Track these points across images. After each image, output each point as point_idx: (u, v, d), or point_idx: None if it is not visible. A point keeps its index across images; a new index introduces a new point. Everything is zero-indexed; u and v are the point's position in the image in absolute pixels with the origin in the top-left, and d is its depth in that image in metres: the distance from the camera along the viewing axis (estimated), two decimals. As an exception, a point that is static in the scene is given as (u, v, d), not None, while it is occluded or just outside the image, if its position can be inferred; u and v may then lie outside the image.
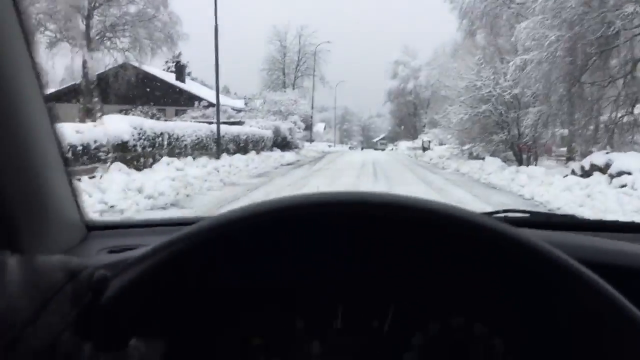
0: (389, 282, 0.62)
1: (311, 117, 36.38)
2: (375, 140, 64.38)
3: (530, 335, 0.59)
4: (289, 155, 19.77)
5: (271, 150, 20.86)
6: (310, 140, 36.19)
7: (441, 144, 29.69)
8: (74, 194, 0.79)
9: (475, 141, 16.86)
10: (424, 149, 30.76)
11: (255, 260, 0.42)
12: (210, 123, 15.40)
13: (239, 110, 29.29)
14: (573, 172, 10.08)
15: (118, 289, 0.33)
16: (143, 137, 9.51)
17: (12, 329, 0.25)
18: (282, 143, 23.07)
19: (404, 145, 43.42)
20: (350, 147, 52.93)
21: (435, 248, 0.42)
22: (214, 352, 0.59)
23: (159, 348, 0.35)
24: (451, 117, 17.46)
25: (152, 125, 10.37)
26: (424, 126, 45.76)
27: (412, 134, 49.46)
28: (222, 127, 14.97)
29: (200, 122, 17.20)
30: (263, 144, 20.08)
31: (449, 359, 0.63)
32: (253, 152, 17.17)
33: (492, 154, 15.60)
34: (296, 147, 25.36)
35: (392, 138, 57.64)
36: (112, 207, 6.20)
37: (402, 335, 0.63)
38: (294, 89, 40.28)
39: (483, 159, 15.23)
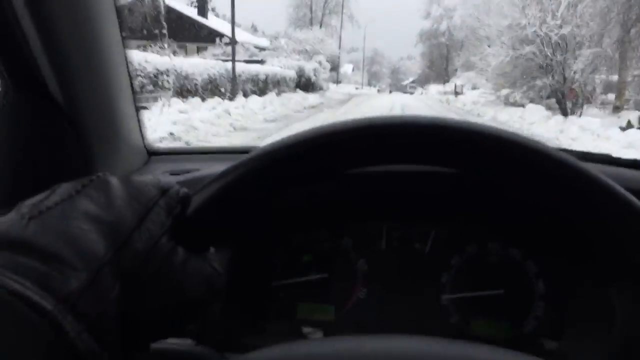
0: (431, 207, 0.71)
1: (338, 57, 34.34)
2: (404, 83, 62.42)
3: (561, 259, 0.68)
4: (313, 98, 17.88)
5: (294, 91, 19.03)
6: (337, 82, 34.26)
7: (474, 88, 27.94)
8: (139, 121, 0.85)
9: (515, 86, 14.97)
10: (456, 93, 27.92)
11: (312, 181, 0.45)
12: (225, 61, 14.03)
13: (262, 49, 26.56)
14: (629, 124, 8.78)
15: (199, 204, 0.38)
16: (142, 75, 8.29)
17: (121, 234, 0.32)
18: (306, 84, 21.12)
19: (434, 89, 40.56)
20: (378, 90, 50.89)
21: (476, 171, 0.42)
22: (270, 266, 0.73)
23: (226, 257, 0.41)
24: (489, 60, 15.94)
25: (155, 61, 9.10)
26: (456, 70, 44.04)
27: (443, 78, 47.46)
28: (240, 66, 13.71)
29: (219, 60, 15.56)
30: (285, 85, 18.42)
31: (484, 279, 0.71)
32: (273, 94, 15.34)
33: (532, 101, 13.97)
34: (320, 89, 23.02)
35: (422, 81, 55.25)
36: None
37: (441, 257, 0.72)
38: (321, 27, 38.34)
39: (522, 106, 13.74)
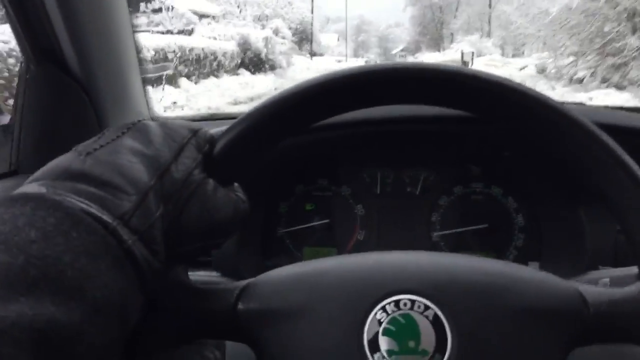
0: (421, 153, 0.93)
1: (311, 24, 31.31)
2: (393, 52, 62.53)
3: (537, 193, 0.89)
4: (261, 82, 14.65)
5: (235, 72, 15.27)
6: (311, 55, 30.70)
7: (479, 55, 24.81)
8: (145, 92, 1.03)
9: (585, 54, 10.24)
10: (464, 63, 22.01)
11: (314, 129, 0.54)
12: (155, 33, 11.75)
13: (203, 16, 20.45)
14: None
15: (223, 144, 0.48)
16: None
17: (161, 165, 0.42)
18: (255, 61, 16.87)
19: (430, 58, 35.74)
20: (366, 61, 50.72)
21: (462, 109, 0.50)
22: (277, 215, 0.94)
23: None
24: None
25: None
26: (452, 34, 44.06)
27: (438, 44, 47.50)
28: (160, 40, 10.92)
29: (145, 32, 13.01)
30: (217, 62, 14.19)
31: (470, 216, 0.91)
32: (185, 80, 11.66)
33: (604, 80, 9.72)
34: (276, 67, 18.25)
35: (413, 50, 55.26)
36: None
37: (430, 198, 0.93)
38: None
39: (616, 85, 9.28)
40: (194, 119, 1.17)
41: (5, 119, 0.90)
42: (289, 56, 20.08)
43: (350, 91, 0.48)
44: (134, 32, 0.97)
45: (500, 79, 0.47)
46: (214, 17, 19.77)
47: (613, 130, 0.48)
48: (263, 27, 20.85)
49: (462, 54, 23.47)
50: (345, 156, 0.94)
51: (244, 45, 16.32)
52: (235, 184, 0.50)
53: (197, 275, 0.81)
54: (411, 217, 0.93)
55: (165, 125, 0.47)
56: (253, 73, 16.23)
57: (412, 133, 0.88)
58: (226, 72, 14.75)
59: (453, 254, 0.49)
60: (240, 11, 23.99)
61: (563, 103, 0.49)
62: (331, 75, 0.48)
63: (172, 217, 0.42)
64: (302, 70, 20.07)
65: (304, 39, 29.81)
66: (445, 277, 0.44)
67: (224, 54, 14.80)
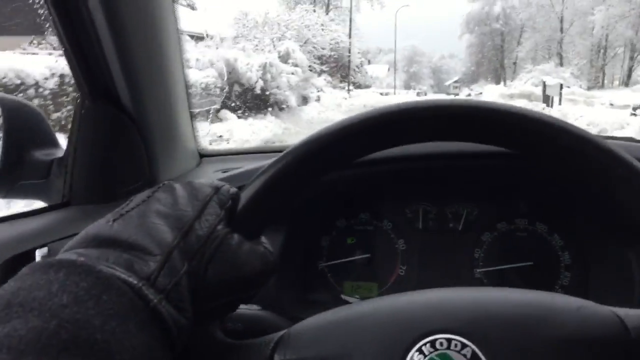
0: (463, 189, 1.04)
1: (349, 51, 28.35)
2: (447, 83, 62.75)
3: (584, 231, 0.97)
4: (256, 127, 11.57)
5: (214, 116, 11.43)
6: (349, 86, 27.55)
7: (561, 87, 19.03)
8: (193, 126, 1.18)
9: None
10: (546, 98, 18.84)
11: (353, 166, 0.62)
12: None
13: (199, 38, 15.29)
14: None
15: (247, 199, 0.53)
16: None
17: (185, 224, 0.48)
18: (255, 98, 13.51)
19: (494, 91, 30.72)
20: (418, 93, 50.89)
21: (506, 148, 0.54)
22: (317, 249, 1.06)
23: (276, 246, 0.58)
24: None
25: None
26: (514, 63, 43.65)
27: (498, 74, 47.30)
28: None
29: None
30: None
31: (513, 252, 0.99)
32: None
33: None
34: (282, 106, 14.53)
35: (467, 81, 55.23)
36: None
37: (473, 234, 1.03)
38: (328, 11, 33.17)
39: None
40: (238, 152, 1.32)
41: (60, 152, 1.04)
42: (304, 90, 17.06)
43: (374, 136, 0.54)
44: (184, 67, 1.10)
45: (544, 116, 0.52)
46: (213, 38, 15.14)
47: None
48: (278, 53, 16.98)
49: (545, 86, 20.12)
50: (387, 190, 1.05)
51: (230, 76, 12.55)
52: (262, 237, 0.56)
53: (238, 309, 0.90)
54: (453, 253, 1.03)
55: (190, 184, 0.54)
56: (244, 114, 12.79)
57: (454, 168, 0.98)
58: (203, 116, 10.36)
59: (484, 288, 0.55)
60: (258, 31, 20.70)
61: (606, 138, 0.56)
62: (363, 116, 0.54)
63: (198, 274, 0.48)
64: (326, 109, 17.27)
65: (340, 67, 27.94)
66: (480, 312, 0.47)
67: (206, 85, 11.44)
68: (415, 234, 1.05)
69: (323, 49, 24.15)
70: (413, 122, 0.54)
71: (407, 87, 59.11)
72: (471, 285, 0.99)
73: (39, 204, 1.03)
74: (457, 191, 1.04)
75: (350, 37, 29.43)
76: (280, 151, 0.56)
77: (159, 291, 0.43)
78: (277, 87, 14.58)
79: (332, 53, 25.34)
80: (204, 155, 1.24)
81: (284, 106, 14.85)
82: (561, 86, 18.60)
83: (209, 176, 1.10)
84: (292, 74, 16.02)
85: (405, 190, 1.05)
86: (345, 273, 1.05)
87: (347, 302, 1.04)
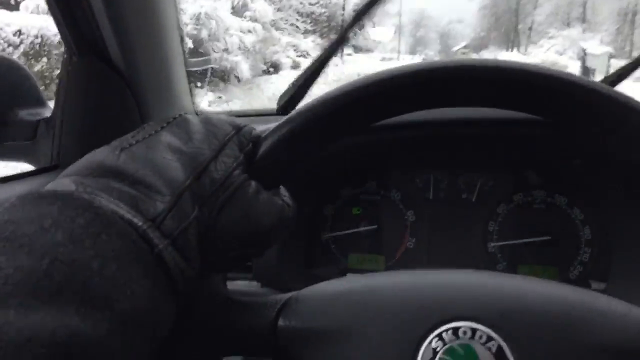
0: (479, 157, 1.02)
1: (343, 8, 23.07)
2: (455, 49, 62.42)
3: (607, 204, 0.96)
4: None
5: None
6: (342, 50, 23.13)
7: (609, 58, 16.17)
8: (190, 84, 1.16)
9: None
10: (586, 70, 15.59)
11: (365, 130, 0.58)
12: None
13: None
14: None
15: (269, 145, 0.51)
16: None
17: (200, 164, 0.46)
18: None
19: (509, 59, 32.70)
20: (423, 59, 50.48)
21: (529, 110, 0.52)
22: (321, 219, 1.06)
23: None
24: None
25: None
26: (529, 28, 43.13)
27: (511, 40, 46.88)
28: None
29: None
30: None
31: (530, 226, 1.00)
32: None
33: None
34: (232, 76, 11.62)
35: (476, 47, 54.85)
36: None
37: (488, 206, 1.02)
38: None
39: None
40: (241, 114, 1.31)
41: (48, 111, 1.03)
42: (275, 54, 14.15)
43: (409, 92, 0.51)
44: (179, 22, 1.09)
45: (578, 78, 0.49)
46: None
47: None
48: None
49: (585, 55, 16.74)
50: (396, 158, 1.05)
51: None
52: (282, 188, 0.54)
53: (235, 285, 0.92)
54: (466, 226, 1.03)
55: (208, 120, 0.51)
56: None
57: (468, 135, 0.97)
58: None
59: (522, 277, 0.50)
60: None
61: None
62: (391, 72, 0.51)
63: (209, 221, 0.46)
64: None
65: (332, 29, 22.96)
66: (513, 303, 0.44)
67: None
68: (426, 204, 1.05)
69: (312, 4, 21.66)
70: (433, 84, 0.51)
71: (413, 52, 58.72)
72: (484, 260, 1.01)
73: (26, 167, 1.02)
74: (471, 160, 1.03)
75: None
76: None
77: (165, 236, 0.41)
78: (226, 50, 11.67)
79: (323, 10, 22.66)
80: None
81: (233, 76, 12.00)
82: (610, 56, 14.68)
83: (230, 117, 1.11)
84: (249, 31, 12.84)
85: (415, 158, 1.05)
86: (351, 245, 1.06)
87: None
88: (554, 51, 26.27)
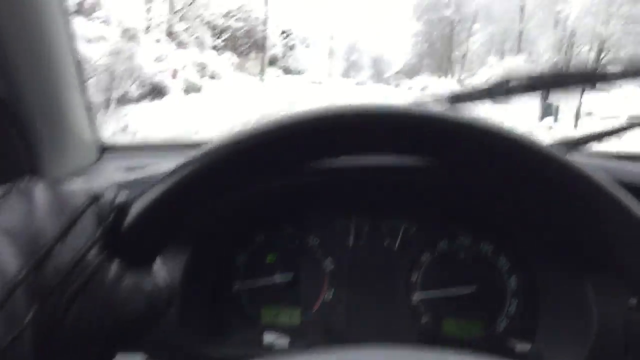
0: (401, 202, 1.00)
1: (264, 24, 23.40)
2: (387, 75, 64.03)
3: (534, 253, 0.95)
4: None
5: None
6: (263, 72, 23.19)
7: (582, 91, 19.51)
8: (90, 113, 1.08)
9: None
10: (547, 108, 13.24)
11: (272, 176, 0.52)
12: None
13: None
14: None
15: (140, 210, 0.44)
16: None
17: (40, 248, 0.38)
18: None
19: (444, 87, 27.05)
20: (357, 83, 51.56)
21: (447, 161, 0.51)
22: (232, 268, 1.00)
23: (180, 265, 0.52)
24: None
25: None
26: (464, 56, 44.26)
27: (444, 68, 48.03)
28: None
29: None
30: None
31: (455, 276, 0.98)
32: None
33: None
34: None
35: (408, 72, 56.09)
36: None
37: (411, 253, 1.00)
38: None
39: None
40: (150, 146, 1.25)
41: None
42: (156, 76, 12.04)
43: (312, 141, 0.49)
44: (72, 40, 1.01)
45: (477, 122, 0.48)
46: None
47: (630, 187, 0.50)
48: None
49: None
50: (314, 201, 1.01)
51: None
52: (157, 262, 0.48)
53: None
54: (388, 276, 1.00)
55: (56, 190, 0.45)
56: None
57: (391, 176, 0.94)
58: None
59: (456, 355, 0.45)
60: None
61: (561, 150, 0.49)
62: (285, 121, 0.48)
63: (56, 318, 0.39)
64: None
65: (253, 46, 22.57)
66: None
67: None
68: (345, 251, 1.02)
69: (226, 16, 20.21)
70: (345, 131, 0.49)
71: (346, 75, 59.82)
72: (406, 314, 0.98)
73: None
74: (394, 204, 1.02)
75: (266, 4, 24.35)
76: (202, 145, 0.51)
77: None
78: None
79: (241, 24, 21.65)
80: (106, 149, 1.17)
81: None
82: (583, 90, 11.67)
83: (109, 174, 1.04)
84: (101, 39, 10.97)
85: (335, 201, 1.02)
86: (264, 297, 1.01)
87: (265, 332, 1.00)
88: (492, 78, 26.48)
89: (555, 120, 12.23)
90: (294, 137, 0.48)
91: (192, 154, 0.47)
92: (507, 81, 0.88)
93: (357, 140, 0.49)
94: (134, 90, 10.94)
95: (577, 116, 11.09)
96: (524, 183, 0.50)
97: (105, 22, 11.83)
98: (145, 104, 10.95)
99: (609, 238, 0.47)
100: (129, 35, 12.03)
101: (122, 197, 0.46)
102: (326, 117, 0.48)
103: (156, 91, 12.17)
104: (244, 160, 0.47)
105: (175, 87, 13.00)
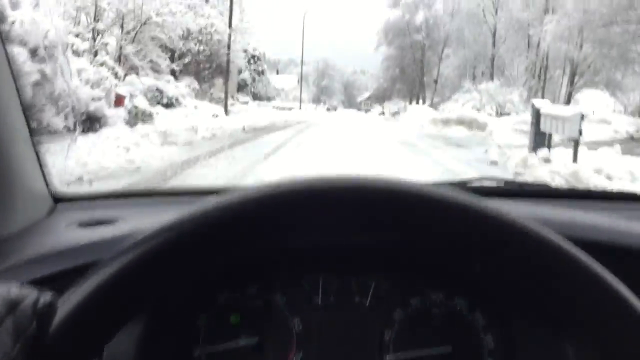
0: (370, 260, 0.96)
1: (228, 47, 22.00)
2: (359, 100, 64.69)
3: (511, 309, 0.92)
4: None
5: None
6: (226, 99, 21.93)
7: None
8: (39, 163, 1.05)
9: None
10: (540, 137, 11.73)
11: (234, 245, 0.53)
12: None
13: None
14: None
15: (66, 315, 0.39)
16: None
17: None
18: None
19: (420, 114, 29.09)
20: (328, 109, 52.51)
21: (410, 226, 0.54)
22: (192, 331, 0.93)
23: (133, 337, 0.49)
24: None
25: None
26: (435, 81, 44.60)
27: (417, 93, 48.36)
28: None
29: None
30: None
31: (430, 334, 0.95)
32: None
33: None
34: None
35: (379, 97, 56.64)
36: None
37: (383, 311, 0.97)
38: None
39: None
40: (107, 196, 1.20)
41: None
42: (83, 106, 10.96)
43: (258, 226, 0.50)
44: (15, 78, 0.96)
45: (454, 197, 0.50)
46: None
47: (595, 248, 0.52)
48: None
49: (539, 115, 11.87)
50: (279, 258, 0.96)
51: None
52: None
53: None
54: (360, 336, 0.97)
55: None
56: None
57: (356, 234, 0.91)
58: None
59: None
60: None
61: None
62: (230, 202, 0.49)
63: None
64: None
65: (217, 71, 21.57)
66: None
67: None
68: (314, 311, 0.98)
69: (184, 38, 18.75)
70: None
71: (317, 101, 60.40)
72: None
73: None
74: (364, 260, 0.98)
75: (230, 26, 22.67)
76: (171, 194, 0.50)
77: None
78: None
79: (202, 48, 20.86)
80: (59, 200, 1.12)
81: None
82: (582, 117, 10.33)
83: (61, 230, 0.98)
84: None
85: (302, 258, 0.98)
86: None
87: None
88: (470, 106, 27.06)
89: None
90: (244, 223, 0.50)
91: (168, 200, 0.46)
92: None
93: (309, 224, 0.52)
94: (59, 122, 10.10)
95: (576, 146, 10.20)
96: (477, 248, 0.54)
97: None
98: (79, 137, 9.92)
99: (565, 296, 0.51)
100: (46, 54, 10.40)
101: (45, 299, 0.40)
102: (272, 204, 0.50)
103: (90, 121, 11.25)
104: (189, 248, 0.47)
105: (117, 117, 12.35)
